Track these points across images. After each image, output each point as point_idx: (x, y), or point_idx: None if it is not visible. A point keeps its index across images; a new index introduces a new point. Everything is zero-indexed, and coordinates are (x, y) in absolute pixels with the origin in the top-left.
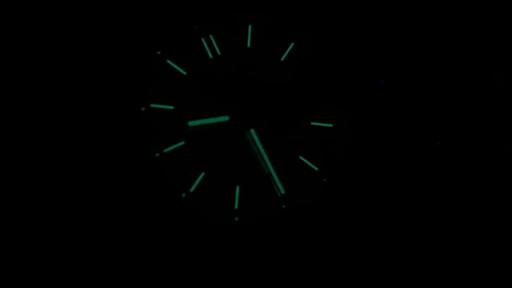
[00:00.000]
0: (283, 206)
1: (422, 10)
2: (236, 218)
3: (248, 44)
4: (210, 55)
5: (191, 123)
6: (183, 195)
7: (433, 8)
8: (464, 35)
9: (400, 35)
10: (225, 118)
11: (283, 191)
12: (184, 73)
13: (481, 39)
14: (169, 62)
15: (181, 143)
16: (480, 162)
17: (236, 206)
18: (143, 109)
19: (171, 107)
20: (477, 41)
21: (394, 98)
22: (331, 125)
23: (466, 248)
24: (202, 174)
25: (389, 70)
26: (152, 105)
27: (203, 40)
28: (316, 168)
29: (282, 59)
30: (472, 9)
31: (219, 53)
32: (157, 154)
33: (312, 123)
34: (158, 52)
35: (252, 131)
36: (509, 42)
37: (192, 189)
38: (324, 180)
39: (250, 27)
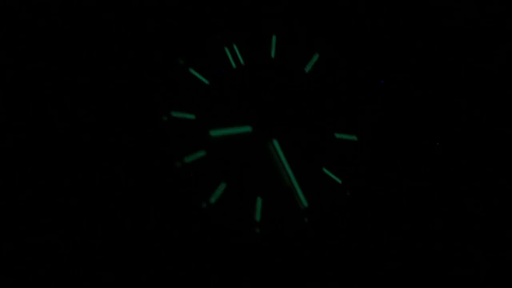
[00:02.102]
0: (305, 219)
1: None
2: (257, 230)
3: (272, 54)
4: (234, 65)
5: (213, 133)
6: (204, 205)
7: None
8: (465, 35)
9: (425, 47)
10: (248, 129)
11: (305, 204)
12: (207, 82)
13: (481, 39)
14: (191, 71)
15: (202, 153)
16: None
17: (257, 218)
18: (164, 118)
19: (193, 116)
20: (477, 41)
21: (419, 113)
22: (355, 138)
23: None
24: (223, 185)
25: (415, 85)
26: (174, 114)
27: (226, 49)
28: (340, 181)
29: (307, 70)
30: (472, 9)
31: (242, 62)
32: (178, 164)
33: (336, 135)
34: (181, 61)
35: (275, 142)
36: (509, 42)
37: (213, 199)
38: (348, 193)
39: (274, 37)
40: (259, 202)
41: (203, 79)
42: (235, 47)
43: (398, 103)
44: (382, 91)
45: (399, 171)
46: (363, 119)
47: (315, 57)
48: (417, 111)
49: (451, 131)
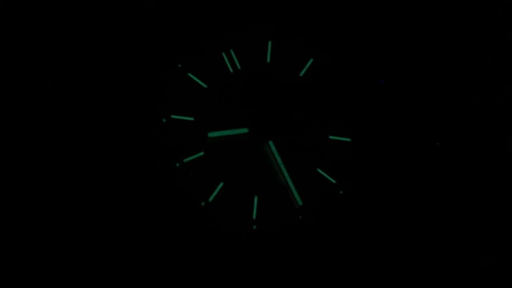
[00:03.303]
0: (300, 217)
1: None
2: (254, 227)
3: (268, 59)
4: (231, 69)
5: (211, 134)
6: (203, 204)
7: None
8: (464, 36)
9: (422, 51)
10: (245, 130)
11: (300, 203)
12: (205, 86)
13: (481, 39)
14: (190, 75)
15: (201, 153)
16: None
17: (254, 216)
18: (164, 120)
19: (192, 119)
20: (477, 41)
21: (412, 114)
22: (349, 139)
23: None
24: (221, 184)
25: (410, 89)
26: (173, 116)
27: (223, 54)
28: (334, 181)
29: (301, 74)
30: (472, 9)
31: (239, 67)
32: (177, 164)
33: (330, 137)
34: (179, 65)
35: (271, 143)
36: (509, 42)
37: (211, 198)
38: (341, 192)
39: (270, 42)
40: (255, 200)
41: (201, 83)
42: (231, 52)
43: (391, 104)
44: (375, 93)
45: (392, 171)
46: (357, 120)
47: (310, 62)
48: (410, 111)
49: (444, 132)
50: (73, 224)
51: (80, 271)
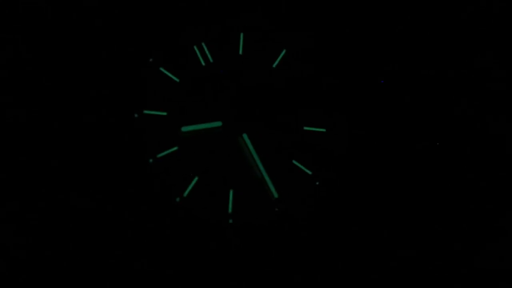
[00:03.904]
0: (276, 209)
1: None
2: (230, 221)
3: (240, 51)
4: (203, 62)
5: (184, 129)
6: (177, 199)
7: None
8: (464, 36)
9: (393, 37)
10: (218, 124)
11: (276, 195)
12: (177, 80)
13: (481, 40)
14: (161, 69)
15: (175, 148)
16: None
17: (230, 210)
18: (136, 115)
19: (165, 113)
20: (477, 41)
21: (387, 101)
22: (324, 130)
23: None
24: (196, 179)
25: (382, 73)
26: (146, 111)
27: (195, 47)
28: (310, 172)
29: (274, 65)
30: (472, 10)
31: (211, 60)
32: (150, 160)
33: (305, 128)
34: (151, 59)
35: (245, 136)
36: (508, 42)
37: (186, 193)
38: (317, 183)
39: (242, 34)
40: (231, 194)
41: (174, 77)
42: (203, 45)
43: (365, 92)
44: (349, 82)
45: (368, 161)
46: (331, 110)
47: (282, 53)
48: (386, 100)
49: (419, 121)
50: (45, 219)
51: (56, 268)
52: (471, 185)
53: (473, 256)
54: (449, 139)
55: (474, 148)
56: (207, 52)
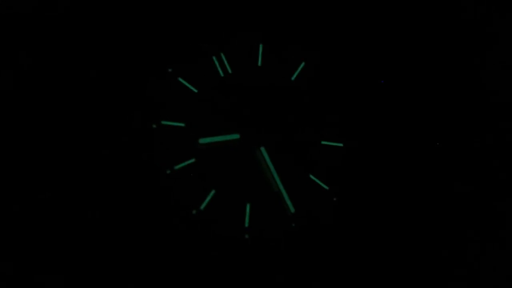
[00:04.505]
0: (293, 225)
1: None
2: (247, 236)
3: (259, 63)
4: (221, 73)
5: (202, 141)
6: (194, 212)
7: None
8: (463, 36)
9: (412, 51)
10: (236, 136)
11: (292, 210)
12: (196, 91)
13: (480, 40)
14: (180, 80)
15: (192, 160)
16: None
17: (246, 224)
18: (154, 126)
19: (182, 124)
20: (477, 41)
21: (403, 117)
22: (341, 145)
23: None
24: (213, 192)
25: (403, 93)
26: (163, 122)
27: (214, 58)
28: (326, 187)
29: (293, 78)
30: (472, 10)
31: (230, 71)
32: (168, 171)
33: (323, 142)
34: (170, 70)
35: (263, 149)
36: (508, 43)
37: (203, 206)
38: (334, 199)
39: (261, 46)
40: (247, 208)
41: (192, 88)
42: (222, 56)
43: (383, 108)
44: (367, 97)
45: (386, 176)
46: (349, 125)
47: (301, 66)
48: (403, 117)
49: (438, 136)
50: (65, 231)
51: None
52: (477, 188)
53: (477, 258)
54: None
55: (479, 147)
56: (226, 63)
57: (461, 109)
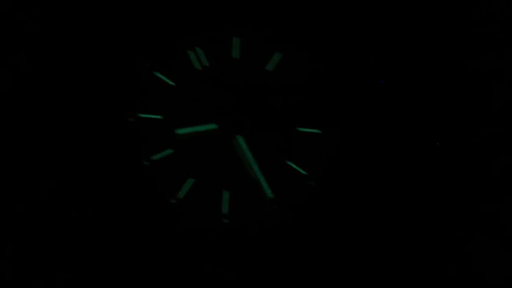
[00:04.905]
0: (271, 209)
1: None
2: (225, 221)
3: (235, 55)
4: (198, 66)
5: (180, 131)
6: (173, 201)
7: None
8: (463, 36)
9: (388, 40)
10: (213, 126)
11: (270, 195)
12: (173, 84)
13: (480, 40)
14: (157, 73)
15: (170, 151)
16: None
17: (225, 211)
18: (131, 119)
19: (160, 117)
20: (477, 41)
21: (381, 101)
22: (319, 131)
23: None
24: (191, 181)
25: (377, 77)
26: (141, 115)
27: (190, 52)
28: (305, 173)
29: (269, 68)
30: (471, 10)
31: (206, 64)
32: (145, 162)
33: (300, 129)
34: (146, 64)
35: (240, 138)
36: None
37: (182, 195)
38: (312, 183)
39: (236, 38)
40: (226, 195)
41: (169, 81)
42: (198, 49)
43: (360, 94)
44: (344, 84)
45: (363, 161)
46: (326, 112)
47: (277, 56)
48: (380, 102)
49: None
50: (42, 223)
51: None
52: (472, 187)
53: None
54: (449, 140)
55: (476, 149)
56: (202, 56)
57: (460, 109)
